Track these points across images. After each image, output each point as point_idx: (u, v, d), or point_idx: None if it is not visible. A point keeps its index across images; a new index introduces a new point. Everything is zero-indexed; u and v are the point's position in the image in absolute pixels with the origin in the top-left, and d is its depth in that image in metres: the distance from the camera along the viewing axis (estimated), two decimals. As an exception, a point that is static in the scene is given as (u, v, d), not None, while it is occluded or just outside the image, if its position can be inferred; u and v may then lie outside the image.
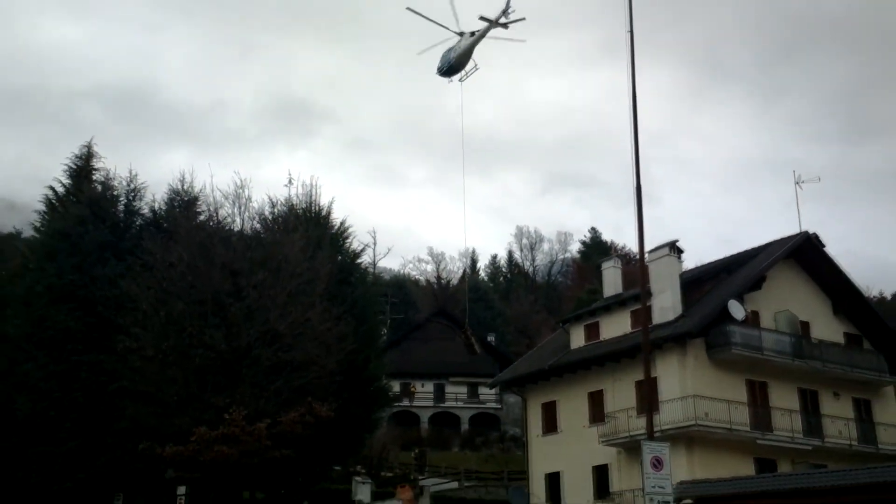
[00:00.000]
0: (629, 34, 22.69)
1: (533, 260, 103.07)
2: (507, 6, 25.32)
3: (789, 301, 33.46)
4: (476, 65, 27.27)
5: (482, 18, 25.80)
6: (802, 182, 35.18)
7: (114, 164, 38.08)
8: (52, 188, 37.83)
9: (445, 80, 27.94)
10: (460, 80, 27.65)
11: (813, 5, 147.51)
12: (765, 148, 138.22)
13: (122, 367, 30.29)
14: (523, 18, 25.66)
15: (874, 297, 72.61)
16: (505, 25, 25.59)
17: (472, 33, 26.49)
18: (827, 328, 34.46)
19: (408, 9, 26.05)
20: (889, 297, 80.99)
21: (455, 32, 26.74)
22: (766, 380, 31.32)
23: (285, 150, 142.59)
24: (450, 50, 27.39)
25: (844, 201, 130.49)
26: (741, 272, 34.24)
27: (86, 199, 36.35)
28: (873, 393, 34.59)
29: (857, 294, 36.19)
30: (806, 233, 34.68)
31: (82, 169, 38.64)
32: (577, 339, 36.23)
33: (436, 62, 27.90)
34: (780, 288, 33.71)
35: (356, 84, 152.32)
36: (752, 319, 31.85)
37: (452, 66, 27.31)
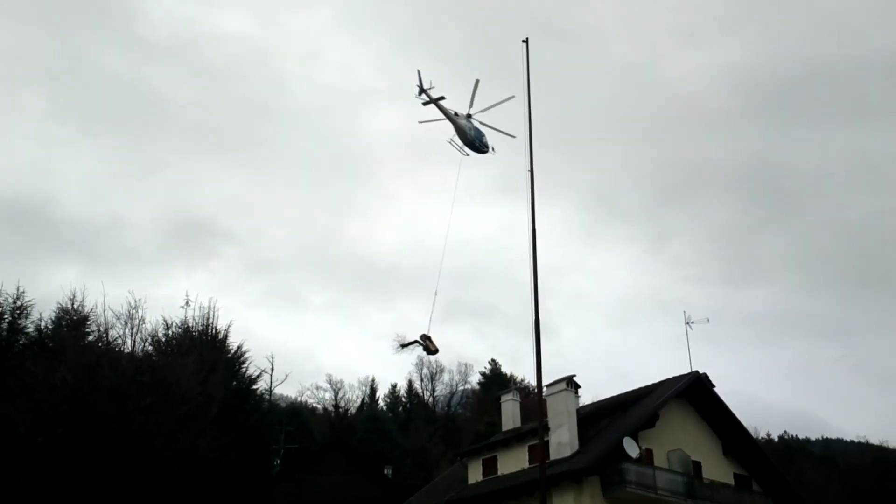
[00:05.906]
0: (529, 173, 23.65)
1: (433, 390, 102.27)
2: (420, 81, 26.49)
3: (681, 440, 34.02)
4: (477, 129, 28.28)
5: (425, 104, 26.87)
6: (692, 322, 36.49)
7: (0, 281, 36.45)
8: (-71, 307, 35.86)
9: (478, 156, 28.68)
10: (492, 150, 28.57)
11: (697, 152, 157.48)
12: (654, 287, 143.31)
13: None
14: (513, 97, 26.54)
15: (762, 438, 74.50)
16: (428, 93, 26.67)
17: (468, 115, 27.82)
18: (717, 468, 35.05)
19: (420, 122, 27.50)
20: (776, 439, 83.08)
21: (461, 116, 27.81)
22: (660, 519, 31.39)
23: (184, 269, 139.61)
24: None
25: (732, 342, 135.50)
26: (636, 409, 34.76)
27: (-34, 317, 34.60)
28: (763, 534, 35.01)
29: (746, 435, 37.15)
30: (696, 372, 35.70)
31: (-35, 286, 36.87)
32: (475, 473, 35.77)
33: (443, 145, 28.55)
34: (672, 426, 34.32)
35: (259, 206, 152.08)
36: (647, 457, 32.17)
37: (468, 142, 27.94)
